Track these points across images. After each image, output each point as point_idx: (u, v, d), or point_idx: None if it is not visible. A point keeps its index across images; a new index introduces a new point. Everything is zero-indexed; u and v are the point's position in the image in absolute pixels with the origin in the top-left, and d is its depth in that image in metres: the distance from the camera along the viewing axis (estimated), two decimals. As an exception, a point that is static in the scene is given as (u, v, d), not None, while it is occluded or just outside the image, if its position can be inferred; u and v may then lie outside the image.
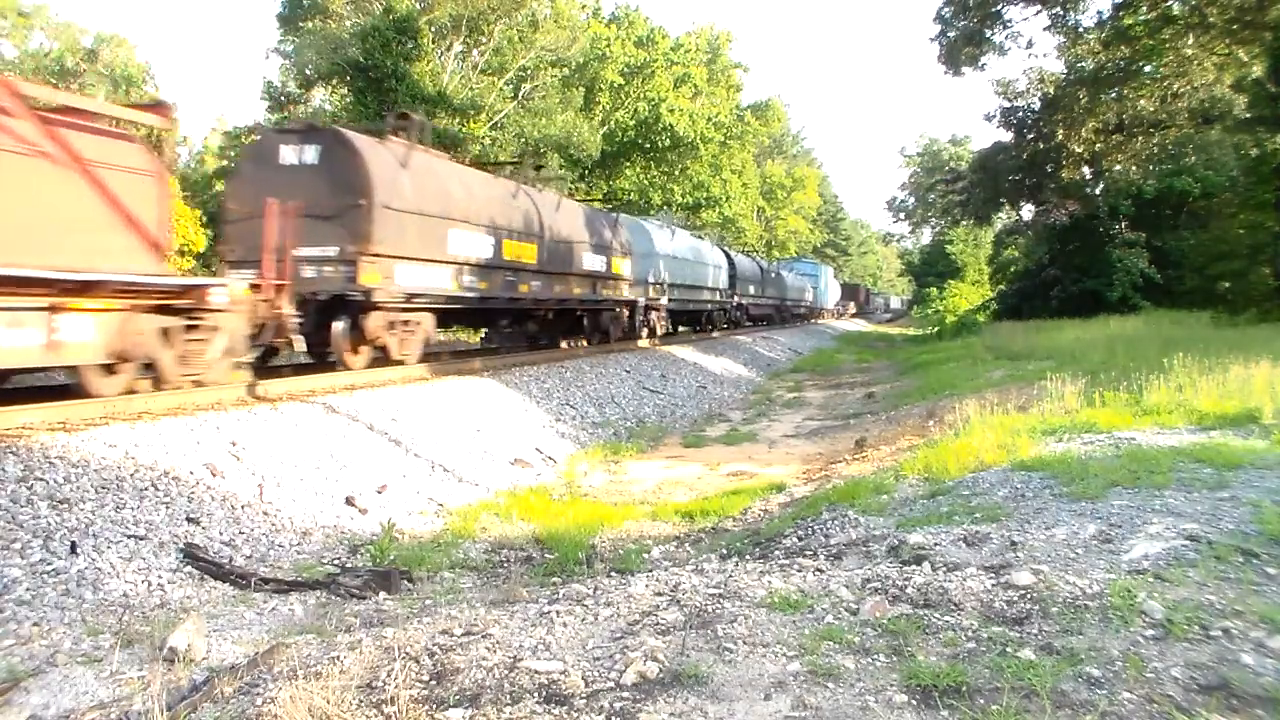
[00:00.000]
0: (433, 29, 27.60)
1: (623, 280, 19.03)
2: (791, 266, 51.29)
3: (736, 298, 31.59)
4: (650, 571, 4.80)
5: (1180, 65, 23.78)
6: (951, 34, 25.01)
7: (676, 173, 39.90)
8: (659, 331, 22.05)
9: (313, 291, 10.05)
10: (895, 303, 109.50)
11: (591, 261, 17.11)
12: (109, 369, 7.45)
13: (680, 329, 26.49)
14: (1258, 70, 21.84)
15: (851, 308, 78.00)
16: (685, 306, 25.08)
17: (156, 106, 8.52)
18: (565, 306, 16.44)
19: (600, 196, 34.66)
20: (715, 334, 28.74)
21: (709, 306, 28.07)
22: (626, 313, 19.62)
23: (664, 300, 22.16)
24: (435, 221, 11.58)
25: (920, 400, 14.05)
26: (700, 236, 30.64)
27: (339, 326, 10.36)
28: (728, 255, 30.97)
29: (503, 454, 9.80)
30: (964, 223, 47.10)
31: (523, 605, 3.94)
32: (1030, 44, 68.59)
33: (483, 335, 18.65)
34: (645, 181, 38.67)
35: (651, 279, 21.37)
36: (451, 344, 19.35)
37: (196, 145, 41.23)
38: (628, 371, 16.49)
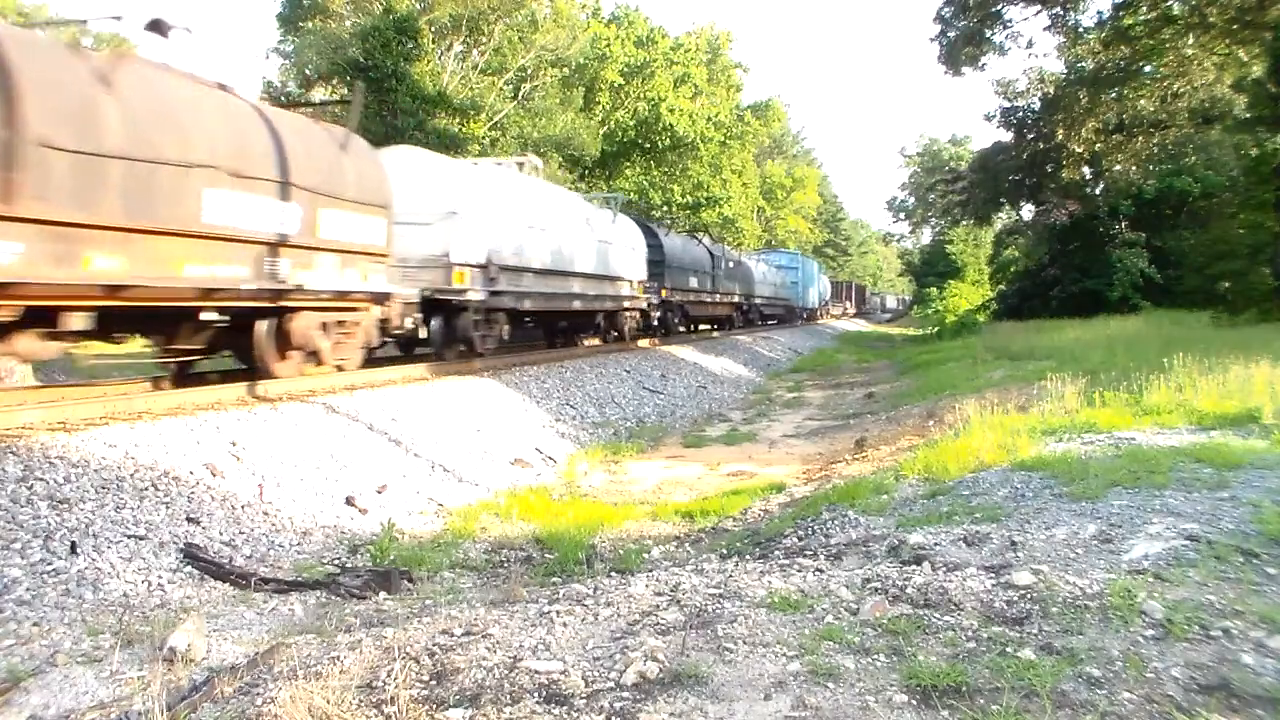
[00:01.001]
0: (433, 29, 27.61)
1: (363, 255, 10.06)
2: (763, 257, 42.39)
3: (666, 292, 22.30)
4: (650, 571, 4.81)
5: (1180, 65, 23.80)
6: (951, 34, 25.03)
7: (676, 173, 39.91)
8: (480, 347, 13.12)
9: None
10: (891, 302, 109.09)
11: (245, 212, 8.17)
12: None
13: (522, 342, 17.02)
14: (1258, 70, 21.85)
15: (849, 308, 73.98)
16: (548, 305, 15.32)
17: None
18: (145, 304, 7.33)
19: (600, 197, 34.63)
20: (716, 334, 28.25)
21: (608, 305, 18.21)
22: (377, 315, 10.73)
23: (482, 295, 12.56)
24: None
25: (920, 400, 14.05)
26: (603, 204, 20.36)
27: None
28: (650, 232, 22.34)
29: (503, 454, 9.80)
30: (964, 223, 47.14)
31: (523, 605, 3.94)
32: (1030, 44, 68.64)
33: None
34: (645, 181, 38.68)
35: (462, 259, 12.13)
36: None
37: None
38: (628, 371, 16.49)
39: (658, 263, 22.00)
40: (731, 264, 30.72)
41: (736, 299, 31.54)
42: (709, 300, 27.63)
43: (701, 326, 29.28)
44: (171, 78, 7.91)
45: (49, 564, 4.73)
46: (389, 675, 2.97)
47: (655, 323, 22.58)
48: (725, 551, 5.74)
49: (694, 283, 25.51)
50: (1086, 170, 31.46)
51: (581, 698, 2.76)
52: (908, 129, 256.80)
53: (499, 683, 2.89)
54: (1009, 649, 2.94)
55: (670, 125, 36.57)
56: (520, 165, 17.06)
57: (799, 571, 4.13)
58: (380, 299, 10.74)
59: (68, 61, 6.74)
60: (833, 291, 69.06)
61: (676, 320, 24.62)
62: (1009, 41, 25.18)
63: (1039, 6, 24.42)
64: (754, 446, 12.04)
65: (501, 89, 29.79)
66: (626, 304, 19.67)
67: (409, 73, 25.18)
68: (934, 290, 52.61)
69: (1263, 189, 20.30)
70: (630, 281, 19.75)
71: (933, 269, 64.41)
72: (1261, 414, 6.86)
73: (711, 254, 27.82)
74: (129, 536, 5.26)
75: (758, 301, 35.34)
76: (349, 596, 5.17)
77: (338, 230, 9.65)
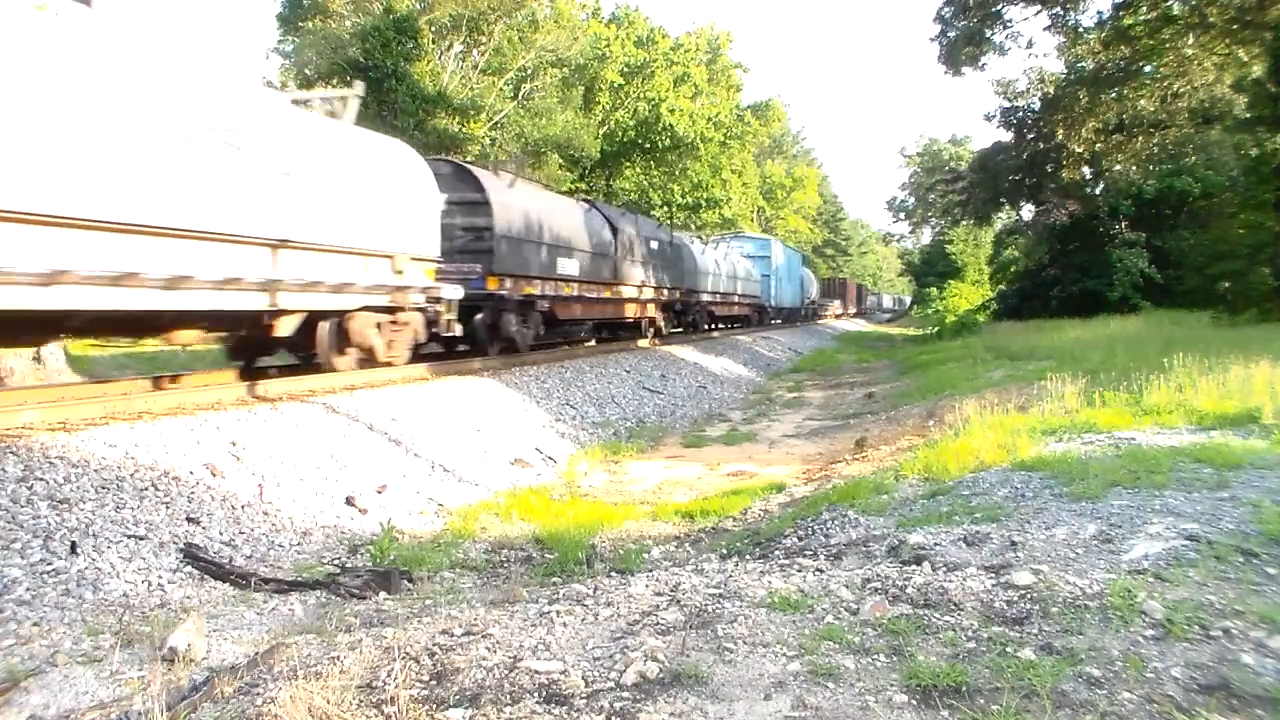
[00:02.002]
0: (433, 29, 27.60)
1: None
2: (720, 241, 34.40)
3: (498, 282, 13.52)
4: (650, 571, 4.80)
5: (1180, 65, 23.81)
6: (951, 34, 25.03)
7: (676, 173, 39.89)
8: None
9: None
10: (888, 301, 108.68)
11: None
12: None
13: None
14: (1258, 70, 21.85)
15: (841, 307, 68.11)
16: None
17: None
18: None
19: (600, 197, 34.62)
20: (716, 334, 27.80)
21: (294, 302, 8.80)
22: None
23: None
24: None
25: (920, 400, 14.05)
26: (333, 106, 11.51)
27: None
28: (463, 175, 13.74)
29: (503, 454, 9.80)
30: (964, 223, 47.10)
31: (523, 605, 3.94)
32: (1030, 44, 68.82)
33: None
34: (645, 181, 38.66)
35: None
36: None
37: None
38: (628, 371, 16.49)
39: (481, 231, 13.19)
40: (654, 244, 21.05)
41: (664, 295, 21.95)
42: (604, 296, 17.92)
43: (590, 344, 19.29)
44: None
45: (49, 564, 4.73)
46: (389, 675, 2.97)
47: (461, 333, 12.39)
48: (725, 551, 5.74)
49: (569, 268, 16.00)
50: (1086, 170, 31.46)
51: (581, 698, 2.76)
52: (908, 129, 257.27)
53: (499, 683, 2.89)
54: (1009, 649, 2.94)
55: (670, 125, 36.54)
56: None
57: (799, 571, 4.13)
58: None
59: None
60: (825, 289, 62.59)
61: (521, 327, 14.48)
62: (1009, 41, 25.21)
63: (1039, 6, 24.43)
64: (754, 446, 12.04)
65: (501, 89, 29.78)
66: (368, 301, 9.98)
67: (409, 73, 25.18)
68: (934, 290, 52.63)
69: (1263, 189, 20.31)
70: (388, 257, 10.25)
71: (933, 269, 64.39)
72: (1261, 414, 6.86)
73: (613, 226, 18.60)
74: (129, 536, 5.26)
75: (705, 299, 26.07)
76: (349, 596, 5.17)
77: None
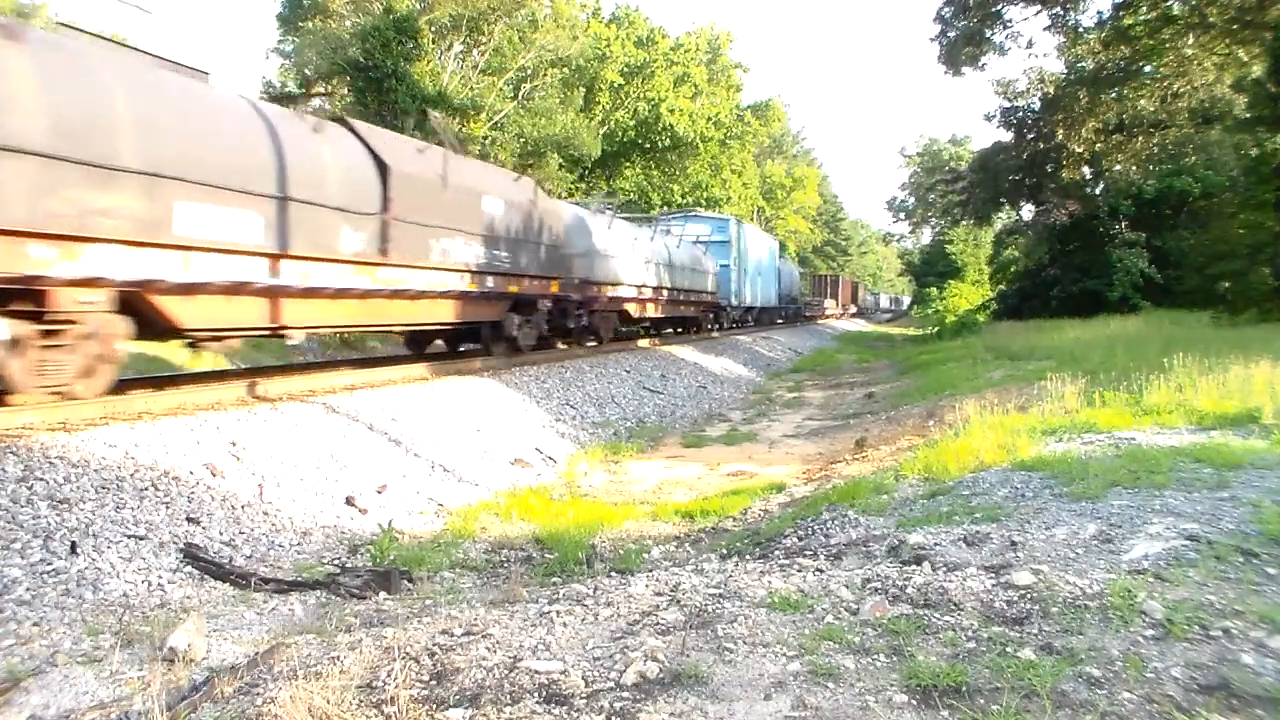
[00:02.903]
0: (433, 29, 27.60)
1: None
2: (659, 221, 26.78)
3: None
4: (650, 571, 4.80)
5: (1180, 65, 23.83)
6: (951, 34, 25.06)
7: (676, 173, 39.90)
8: None
9: None
10: (886, 301, 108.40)
11: None
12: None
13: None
14: (1258, 70, 21.87)
15: (837, 307, 62.86)
16: None
17: None
18: None
19: (600, 197, 34.63)
20: (716, 334, 27.89)
21: None
22: None
23: None
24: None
25: (920, 400, 14.05)
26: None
27: None
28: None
29: (503, 454, 9.80)
30: (964, 223, 47.13)
31: (523, 605, 3.94)
32: (1030, 44, 68.92)
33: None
34: (645, 181, 38.67)
35: None
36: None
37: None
38: (628, 371, 16.49)
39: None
40: (493, 204, 13.06)
41: (514, 287, 13.64)
42: (343, 286, 9.60)
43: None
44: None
45: (49, 564, 4.73)
46: (389, 675, 2.97)
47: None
48: (725, 551, 5.73)
49: (224, 226, 7.90)
50: (1086, 170, 31.49)
51: (581, 698, 2.76)
52: (908, 129, 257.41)
53: (499, 683, 2.89)
54: (1009, 649, 2.94)
55: (670, 125, 36.60)
56: None
57: (799, 571, 4.13)
58: None
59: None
60: (816, 287, 58.87)
61: (45, 349, 6.57)
62: (1009, 41, 25.27)
63: (1039, 6, 24.46)
64: (754, 446, 12.03)
65: (501, 89, 29.79)
66: None
67: (409, 73, 25.16)
68: (934, 290, 52.60)
69: (1263, 189, 20.31)
70: None
71: (933, 269, 64.33)
72: (1261, 414, 6.86)
73: (380, 161, 10.26)
74: (129, 536, 5.26)
75: (611, 295, 17.89)
76: (349, 596, 5.17)
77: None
